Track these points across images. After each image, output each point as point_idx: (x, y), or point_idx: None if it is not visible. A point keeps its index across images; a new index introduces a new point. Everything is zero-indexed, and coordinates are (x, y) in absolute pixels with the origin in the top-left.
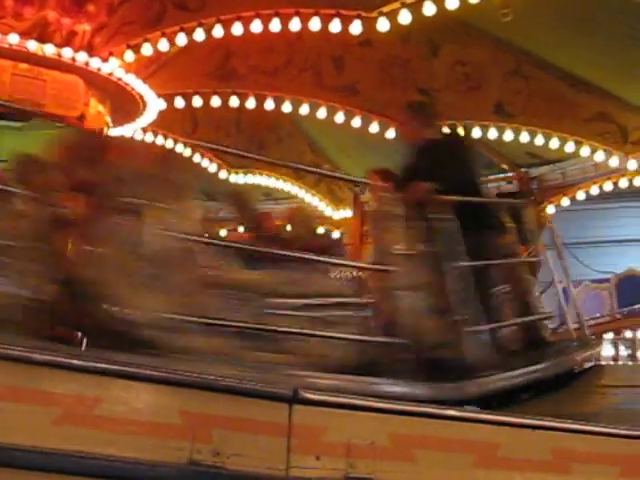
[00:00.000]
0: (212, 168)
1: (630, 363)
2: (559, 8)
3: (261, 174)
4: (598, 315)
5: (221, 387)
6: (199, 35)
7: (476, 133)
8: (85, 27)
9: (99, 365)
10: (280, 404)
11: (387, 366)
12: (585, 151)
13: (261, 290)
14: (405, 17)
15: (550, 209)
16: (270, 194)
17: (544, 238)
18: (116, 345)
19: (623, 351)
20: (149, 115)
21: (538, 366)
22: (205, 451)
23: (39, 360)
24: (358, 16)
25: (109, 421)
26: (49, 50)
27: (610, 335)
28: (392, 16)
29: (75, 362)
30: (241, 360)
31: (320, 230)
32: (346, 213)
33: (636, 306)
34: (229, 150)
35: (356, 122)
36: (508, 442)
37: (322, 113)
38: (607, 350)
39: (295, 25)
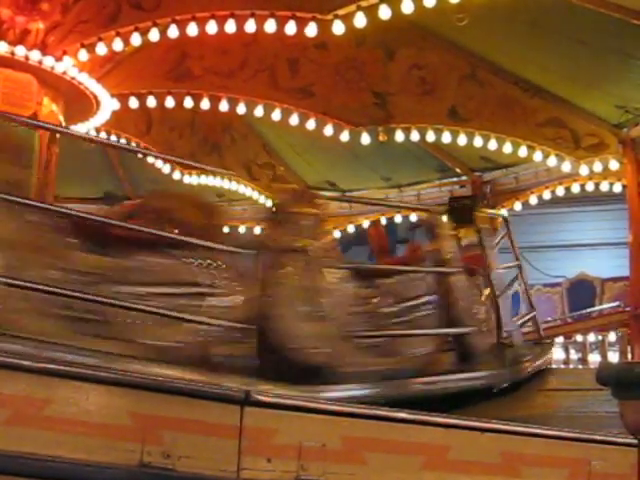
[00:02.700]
0: (166, 169)
1: (580, 367)
2: (512, 14)
3: (214, 176)
4: (549, 319)
5: (172, 389)
6: (154, 35)
7: (430, 137)
8: (39, 25)
9: (48, 366)
10: (232, 406)
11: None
12: (538, 156)
13: (107, 276)
14: (361, 20)
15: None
16: (224, 195)
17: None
18: None
19: (574, 355)
20: (103, 115)
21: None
22: (156, 453)
23: None
24: (313, 18)
25: (59, 422)
26: (2, 48)
27: (561, 339)
28: (348, 19)
29: (24, 363)
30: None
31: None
32: None
33: (587, 310)
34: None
35: (310, 124)
36: (458, 445)
37: (277, 115)
38: (558, 354)
39: (250, 27)
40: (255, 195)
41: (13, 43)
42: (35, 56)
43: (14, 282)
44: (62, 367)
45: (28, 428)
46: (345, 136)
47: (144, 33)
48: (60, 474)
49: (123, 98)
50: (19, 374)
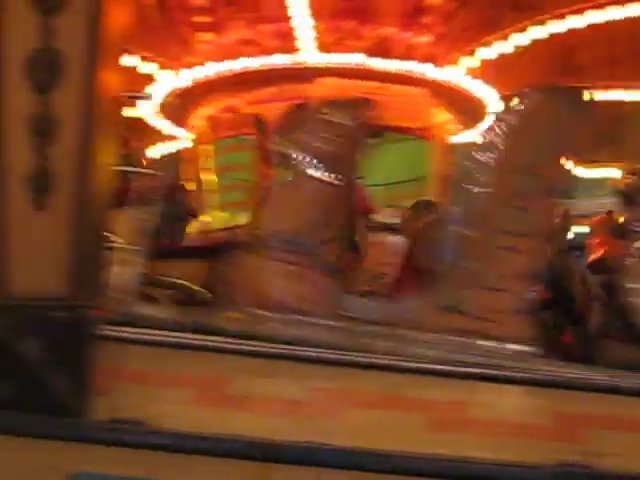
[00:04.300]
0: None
1: None
2: None
3: (612, 167)
4: None
5: (595, 386)
6: (537, 33)
7: None
8: (424, 39)
9: (466, 370)
10: None
11: None
12: None
13: None
14: None
15: None
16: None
17: None
18: None
19: None
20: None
21: None
22: (577, 451)
23: (410, 368)
24: None
25: (480, 424)
26: (391, 65)
27: None
28: None
29: (443, 368)
30: None
31: None
32: None
33: None
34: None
35: None
36: None
37: None
38: None
39: (635, 11)
40: None
41: (400, 59)
42: (423, 69)
43: None
44: (480, 370)
45: (451, 432)
46: None
47: (527, 32)
48: (481, 475)
49: (510, 99)
50: (440, 379)
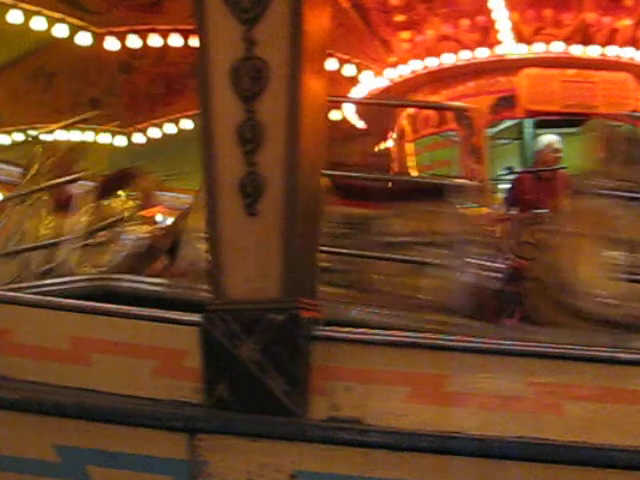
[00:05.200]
0: None
1: None
2: None
3: None
4: None
5: None
6: None
7: None
8: (625, 22)
9: None
10: None
11: None
12: None
13: None
14: None
15: None
16: None
17: None
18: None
19: None
20: None
21: None
22: None
23: (626, 359)
24: None
25: None
26: (593, 51)
27: None
28: None
29: None
30: None
31: None
32: None
33: None
34: None
35: None
36: None
37: None
38: None
39: None
40: None
41: (603, 45)
42: (627, 53)
43: None
44: None
45: None
46: None
47: None
48: None
49: None
50: None
